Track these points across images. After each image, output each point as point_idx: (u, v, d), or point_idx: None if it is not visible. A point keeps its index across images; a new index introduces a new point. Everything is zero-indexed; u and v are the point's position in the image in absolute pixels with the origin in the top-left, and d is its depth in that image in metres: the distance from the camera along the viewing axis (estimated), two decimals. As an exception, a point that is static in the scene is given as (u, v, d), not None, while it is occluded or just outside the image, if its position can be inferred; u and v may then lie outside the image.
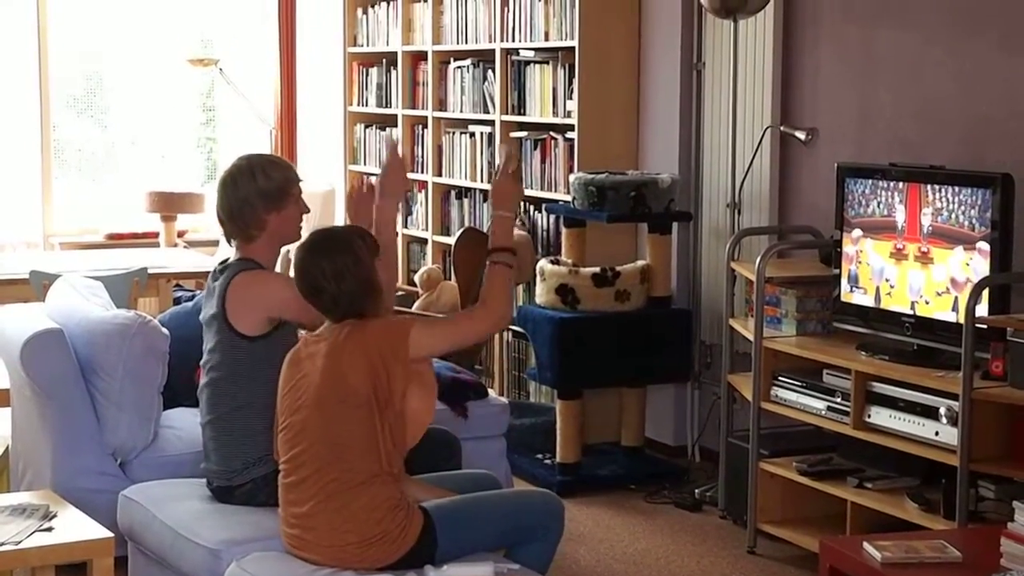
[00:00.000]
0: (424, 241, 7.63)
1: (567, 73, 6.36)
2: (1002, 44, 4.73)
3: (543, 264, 5.91)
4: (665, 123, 6.23)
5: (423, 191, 7.65)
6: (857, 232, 4.81)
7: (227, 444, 4.00)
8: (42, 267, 6.26)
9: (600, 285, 5.77)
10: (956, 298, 4.39)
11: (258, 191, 4.00)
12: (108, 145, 9.29)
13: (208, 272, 4.28)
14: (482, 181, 7.06)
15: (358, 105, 8.32)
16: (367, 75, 8.22)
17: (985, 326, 4.19)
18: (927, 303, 4.53)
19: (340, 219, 8.36)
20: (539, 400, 6.55)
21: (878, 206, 4.72)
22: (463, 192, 7.33)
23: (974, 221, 4.35)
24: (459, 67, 7.24)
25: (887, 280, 4.70)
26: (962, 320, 4.17)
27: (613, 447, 6.12)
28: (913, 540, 3.66)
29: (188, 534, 3.83)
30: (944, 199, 4.46)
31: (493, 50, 6.87)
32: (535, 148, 6.66)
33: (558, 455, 5.85)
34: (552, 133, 6.54)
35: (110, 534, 3.75)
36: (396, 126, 7.83)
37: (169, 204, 8.65)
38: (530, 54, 6.66)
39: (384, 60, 8.03)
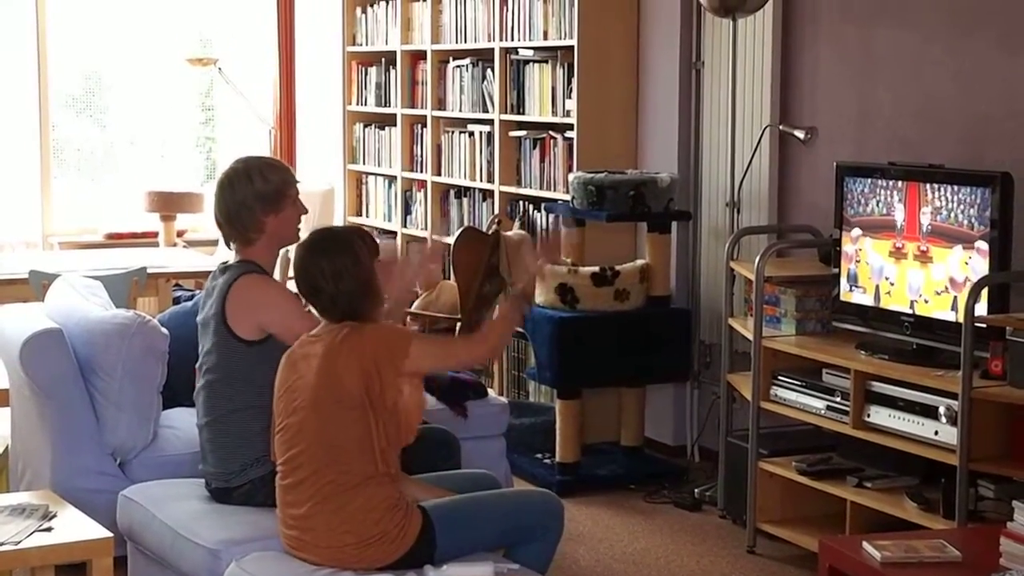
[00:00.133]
0: (423, 240, 7.62)
1: (566, 72, 6.36)
2: (1001, 43, 4.73)
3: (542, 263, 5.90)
4: (664, 122, 6.23)
5: (422, 190, 7.65)
6: (856, 231, 4.81)
7: (224, 446, 4.00)
8: (41, 267, 6.26)
9: (599, 284, 5.77)
10: (955, 297, 4.39)
11: (255, 194, 4.00)
12: (107, 145, 9.28)
13: (207, 272, 4.28)
14: (481, 180, 7.05)
15: (357, 104, 8.32)
16: (366, 74, 8.22)
17: (984, 325, 4.19)
18: (926, 302, 4.53)
19: (339, 219, 8.37)
20: (538, 400, 6.55)
21: (877, 205, 4.72)
22: (462, 191, 7.32)
23: (973, 220, 4.35)
24: (458, 66, 7.23)
25: (886, 279, 4.70)
26: (961, 319, 4.17)
27: (612, 447, 6.12)
28: (912, 540, 3.66)
29: (187, 534, 3.83)
30: (943, 198, 4.46)
31: (492, 49, 6.86)
32: (534, 147, 6.66)
33: (557, 455, 5.85)
34: (551, 132, 6.54)
35: (109, 534, 3.74)
36: (395, 125, 7.83)
37: (168, 204, 8.64)
38: (529, 53, 6.66)
39: (383, 59, 8.03)
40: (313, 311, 3.75)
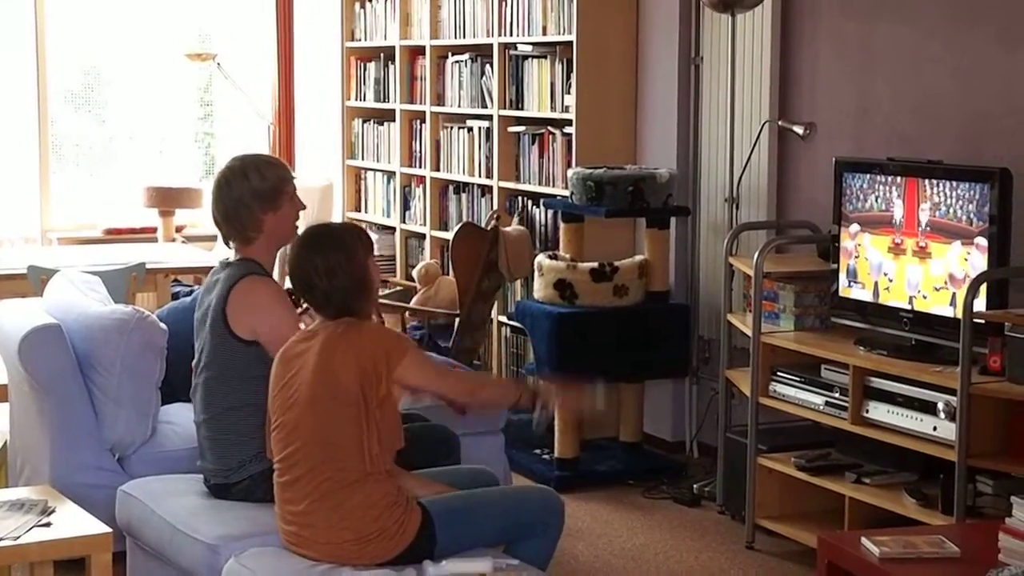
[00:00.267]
0: (422, 236, 7.62)
1: (565, 68, 6.36)
2: (1000, 39, 4.73)
3: (541, 259, 5.91)
4: (663, 118, 6.23)
5: (421, 186, 7.65)
6: (855, 227, 4.81)
7: (222, 443, 3.99)
8: (40, 262, 6.26)
9: (598, 280, 5.77)
10: (954, 293, 4.39)
11: (252, 191, 4.00)
12: (106, 140, 9.27)
13: (206, 267, 4.28)
14: (480, 176, 7.05)
15: (356, 100, 8.31)
16: (365, 70, 8.21)
17: (983, 321, 4.19)
18: (925, 298, 4.53)
19: (338, 214, 8.37)
20: (537, 395, 6.54)
21: (876, 201, 4.72)
22: (461, 187, 7.32)
23: (972, 216, 4.35)
24: (457, 61, 7.23)
25: (885, 275, 4.70)
26: (960, 315, 4.17)
27: (611, 442, 6.12)
28: (911, 535, 3.66)
29: (186, 529, 3.83)
30: (942, 194, 4.46)
31: (491, 44, 6.86)
32: (533, 143, 6.65)
33: (556, 451, 5.85)
34: (550, 128, 6.54)
35: (108, 529, 3.74)
36: (394, 121, 7.82)
37: (167, 199, 8.63)
38: (528, 48, 6.66)
39: (382, 55, 8.03)
40: (304, 322, 3.75)
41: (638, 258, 5.93)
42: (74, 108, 9.12)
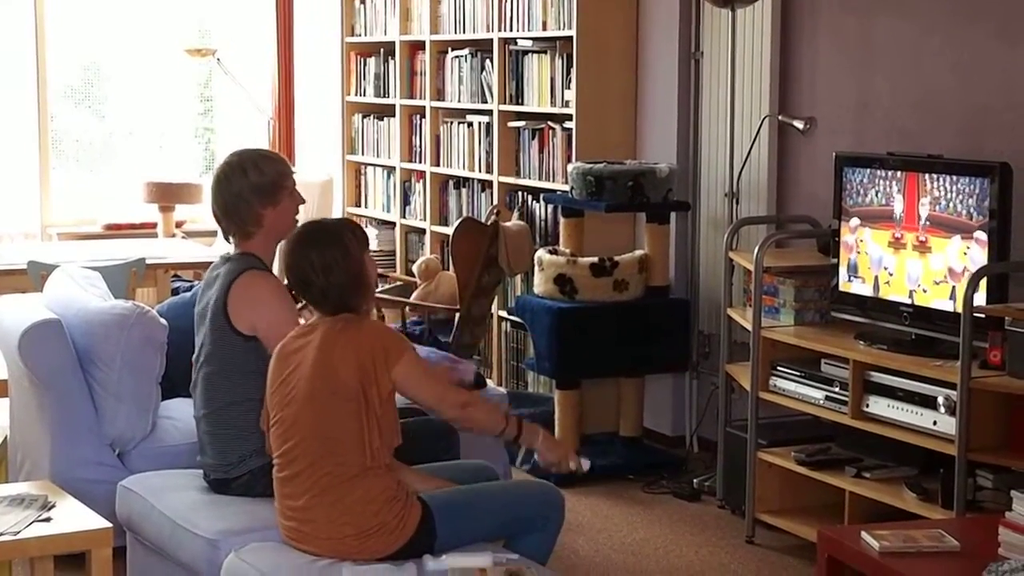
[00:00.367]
0: (422, 231, 7.62)
1: (565, 63, 6.36)
2: (1000, 34, 4.72)
3: (541, 254, 5.91)
4: (663, 113, 6.23)
5: (421, 181, 7.65)
6: (855, 221, 4.81)
7: (222, 438, 3.99)
8: (40, 257, 6.26)
9: (598, 275, 5.77)
10: (954, 287, 4.39)
11: (251, 186, 3.99)
12: (106, 135, 9.27)
13: (205, 262, 4.27)
14: (480, 171, 7.05)
15: (356, 95, 8.31)
16: (365, 65, 8.21)
17: (983, 315, 4.19)
18: (925, 292, 4.53)
19: (338, 209, 8.37)
20: (537, 390, 6.55)
21: (876, 195, 4.71)
22: (461, 182, 7.32)
23: (972, 210, 4.35)
24: (457, 56, 7.23)
25: (885, 269, 4.70)
26: (960, 309, 4.17)
27: (611, 437, 6.12)
28: (911, 529, 3.66)
29: (186, 524, 3.83)
30: (942, 188, 4.45)
31: (491, 39, 6.86)
32: (533, 138, 6.65)
33: (556, 445, 5.84)
34: (550, 123, 6.53)
35: (108, 524, 3.74)
36: (394, 116, 7.82)
37: (167, 194, 8.63)
38: (528, 43, 6.65)
39: (382, 50, 8.02)
40: (304, 317, 3.75)
41: (638, 253, 5.93)
42: (74, 104, 9.12)
